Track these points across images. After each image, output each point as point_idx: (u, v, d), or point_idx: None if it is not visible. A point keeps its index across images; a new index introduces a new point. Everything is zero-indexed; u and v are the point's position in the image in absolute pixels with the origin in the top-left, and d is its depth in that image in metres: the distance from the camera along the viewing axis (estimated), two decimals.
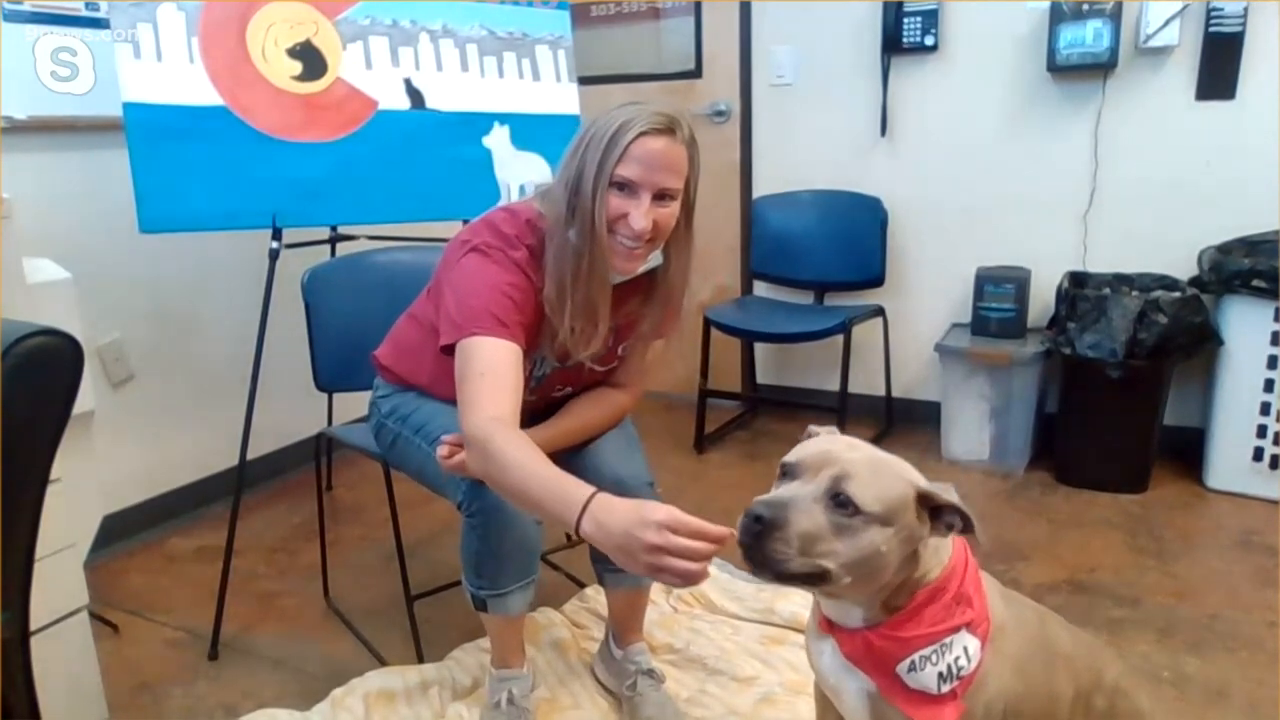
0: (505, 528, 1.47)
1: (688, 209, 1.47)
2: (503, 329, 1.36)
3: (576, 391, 1.66)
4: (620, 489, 1.51)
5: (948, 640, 1.03)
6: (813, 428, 1.14)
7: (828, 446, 1.05)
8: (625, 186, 1.37)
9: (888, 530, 0.98)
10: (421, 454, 1.59)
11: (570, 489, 1.16)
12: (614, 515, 1.10)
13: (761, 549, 0.97)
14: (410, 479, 1.74)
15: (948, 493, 1.03)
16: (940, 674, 1.02)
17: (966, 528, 1.03)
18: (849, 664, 1.10)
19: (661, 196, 1.39)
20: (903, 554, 1.01)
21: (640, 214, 1.37)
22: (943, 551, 1.07)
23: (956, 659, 1.03)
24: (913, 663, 1.03)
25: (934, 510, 1.03)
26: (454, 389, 1.37)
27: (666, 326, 1.63)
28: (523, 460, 1.23)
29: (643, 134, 1.35)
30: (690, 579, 1.05)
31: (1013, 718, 1.08)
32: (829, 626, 1.12)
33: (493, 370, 1.33)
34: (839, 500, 0.98)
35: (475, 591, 1.55)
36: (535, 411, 1.64)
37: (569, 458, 1.58)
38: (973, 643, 1.04)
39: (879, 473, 1.01)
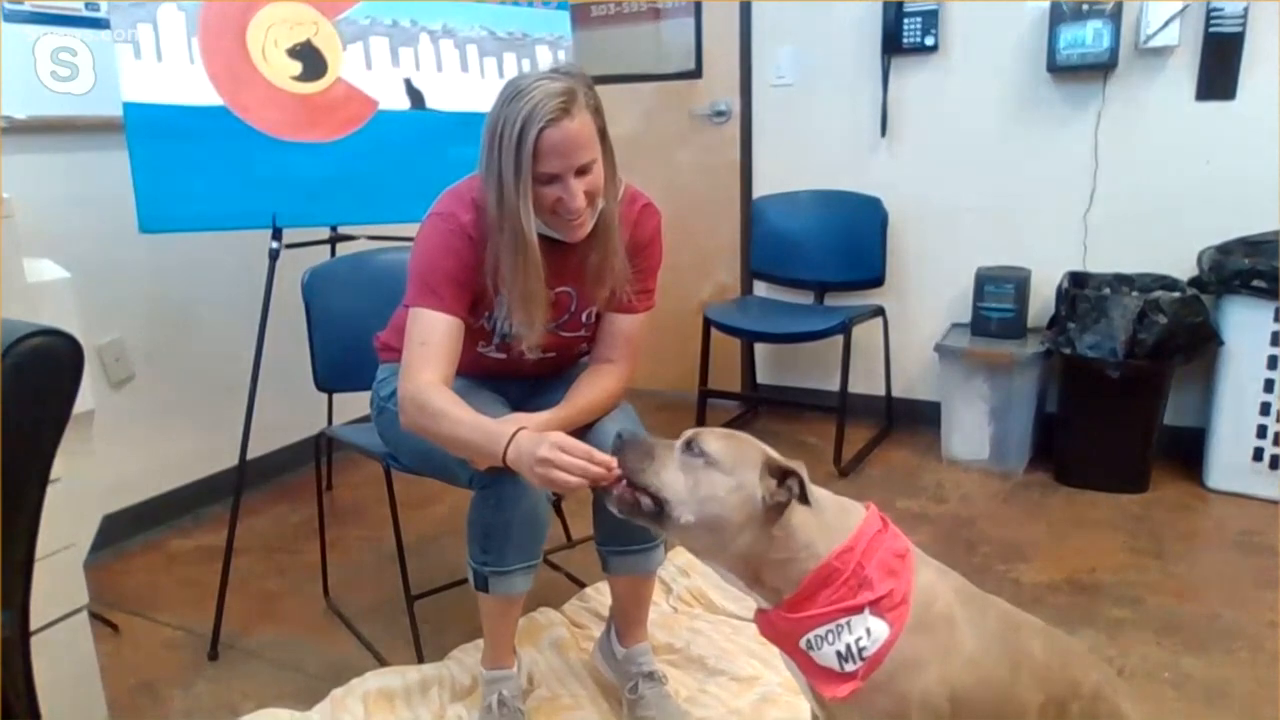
0: (516, 499, 1.50)
1: (606, 148, 1.51)
2: (438, 300, 1.50)
3: (559, 357, 1.70)
4: None
5: (844, 621, 1.08)
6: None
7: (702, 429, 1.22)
8: (549, 179, 1.43)
9: (728, 479, 1.13)
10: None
11: (496, 428, 1.41)
12: (525, 443, 1.35)
13: (620, 459, 1.21)
14: (413, 467, 1.74)
15: (795, 463, 1.13)
16: (839, 652, 1.08)
17: (804, 496, 1.11)
18: None
19: (583, 170, 1.45)
20: (744, 511, 1.12)
21: (572, 195, 1.44)
22: (834, 534, 1.12)
23: (858, 639, 1.08)
24: (809, 641, 1.10)
25: (783, 478, 1.13)
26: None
27: (641, 300, 1.67)
28: (453, 411, 1.44)
29: (544, 129, 1.39)
30: (567, 487, 1.29)
31: (967, 713, 1.09)
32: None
33: (428, 340, 1.50)
34: (690, 446, 1.16)
35: (479, 568, 1.56)
36: (522, 375, 1.70)
37: (576, 438, 1.60)
38: (876, 623, 1.08)
39: (732, 438, 1.17)
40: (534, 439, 1.33)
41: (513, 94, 1.41)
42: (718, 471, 1.13)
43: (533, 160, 1.40)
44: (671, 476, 1.15)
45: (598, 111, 1.47)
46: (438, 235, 1.54)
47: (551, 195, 1.44)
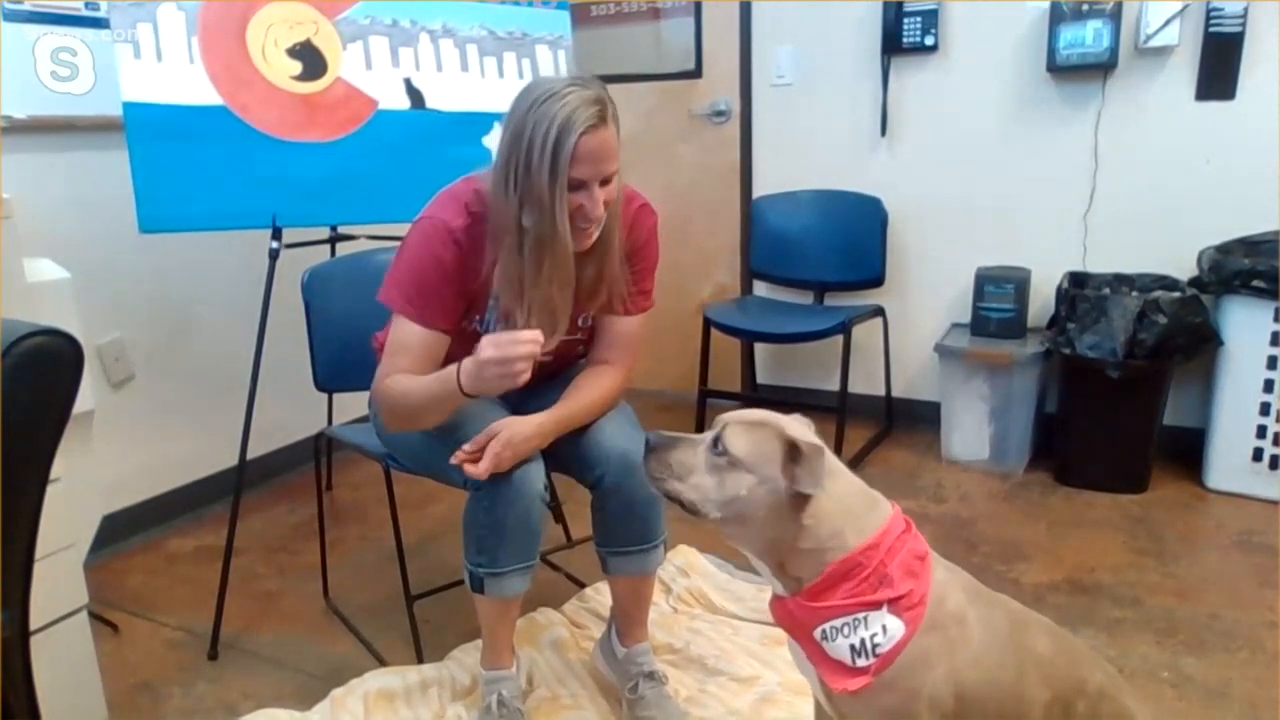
0: (510, 501, 1.51)
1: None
2: (415, 311, 1.53)
3: (556, 360, 1.70)
4: (625, 462, 1.56)
5: (861, 615, 1.09)
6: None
7: (743, 410, 1.22)
8: (577, 185, 1.44)
9: (750, 476, 1.13)
10: (423, 437, 1.60)
11: (444, 373, 1.45)
12: (470, 363, 1.40)
13: (646, 465, 1.21)
14: (411, 468, 1.74)
15: (806, 434, 1.15)
16: (853, 646, 1.09)
17: (813, 479, 1.11)
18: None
19: (607, 179, 1.46)
20: (770, 504, 1.12)
21: (595, 203, 1.46)
22: (862, 527, 1.13)
23: (873, 635, 1.08)
24: (824, 632, 1.11)
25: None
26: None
27: (638, 301, 1.67)
28: (408, 383, 1.50)
29: (584, 134, 1.39)
30: (516, 374, 1.36)
31: (973, 710, 1.10)
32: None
33: (403, 349, 1.53)
34: (717, 445, 1.16)
35: (474, 570, 1.56)
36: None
37: (574, 438, 1.62)
38: (893, 621, 1.08)
39: (756, 428, 1.16)
40: (473, 359, 1.39)
41: (544, 96, 1.40)
42: (741, 470, 1.13)
43: (569, 166, 1.39)
44: (697, 480, 1.16)
45: (618, 123, 1.47)
46: (424, 243, 1.52)
47: (574, 202, 1.44)
